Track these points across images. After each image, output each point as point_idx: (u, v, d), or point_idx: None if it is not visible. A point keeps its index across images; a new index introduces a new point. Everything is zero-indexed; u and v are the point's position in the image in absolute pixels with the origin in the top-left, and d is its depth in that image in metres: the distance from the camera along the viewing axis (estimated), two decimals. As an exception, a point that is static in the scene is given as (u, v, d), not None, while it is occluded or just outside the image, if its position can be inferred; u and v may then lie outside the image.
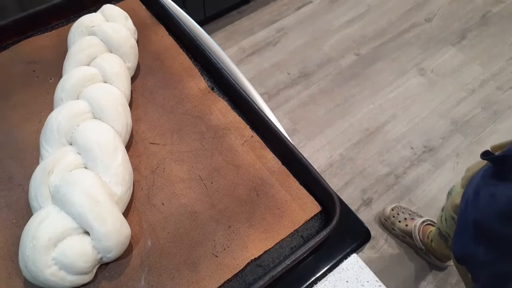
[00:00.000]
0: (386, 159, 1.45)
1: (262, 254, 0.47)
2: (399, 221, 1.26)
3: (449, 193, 0.88)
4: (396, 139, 1.49)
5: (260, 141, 0.56)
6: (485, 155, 0.64)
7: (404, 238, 1.26)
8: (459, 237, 0.65)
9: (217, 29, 1.83)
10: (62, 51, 0.64)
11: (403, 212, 1.27)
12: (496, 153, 0.64)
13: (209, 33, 0.75)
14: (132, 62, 0.61)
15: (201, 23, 0.81)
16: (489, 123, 1.53)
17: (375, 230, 1.31)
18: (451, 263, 1.20)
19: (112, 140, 0.49)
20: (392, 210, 1.29)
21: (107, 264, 0.46)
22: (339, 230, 0.48)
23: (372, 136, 1.50)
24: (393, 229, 1.27)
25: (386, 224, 1.29)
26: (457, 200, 0.76)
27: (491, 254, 0.55)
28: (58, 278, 0.41)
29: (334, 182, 1.40)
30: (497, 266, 0.55)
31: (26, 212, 0.49)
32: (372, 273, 0.47)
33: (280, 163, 0.54)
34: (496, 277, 0.56)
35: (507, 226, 0.54)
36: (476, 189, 0.62)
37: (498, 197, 0.56)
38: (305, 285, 0.46)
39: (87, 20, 0.62)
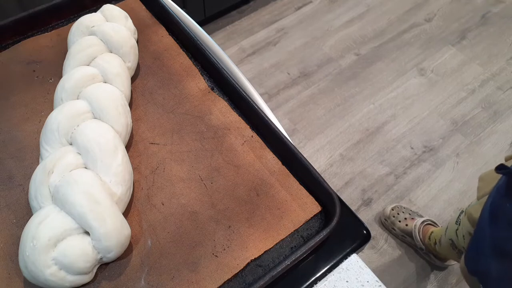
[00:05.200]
0: (386, 159, 1.45)
1: (262, 254, 0.47)
2: (399, 221, 1.26)
3: (464, 211, 0.87)
4: (396, 139, 1.49)
5: (260, 141, 0.56)
6: (500, 168, 0.61)
7: (404, 238, 1.26)
8: (474, 252, 0.64)
9: (217, 29, 1.83)
10: (62, 51, 0.64)
11: (403, 212, 1.27)
12: (510, 165, 0.62)
13: (209, 33, 0.75)
14: (132, 62, 0.61)
15: (201, 23, 0.81)
16: (489, 123, 1.53)
17: (375, 230, 1.31)
18: (451, 262, 1.20)
19: (112, 140, 0.49)
20: (392, 210, 1.29)
21: (107, 264, 0.46)
22: (339, 230, 0.48)
23: (372, 136, 1.50)
24: (393, 229, 1.27)
25: (386, 224, 1.29)
26: (476, 214, 0.75)
27: (508, 272, 0.55)
28: (58, 278, 0.41)
29: (334, 182, 1.40)
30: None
31: (26, 212, 0.49)
32: (372, 273, 0.47)
33: (280, 163, 0.54)
34: None
35: None
36: (493, 207, 0.61)
37: None
38: (305, 285, 0.46)
39: (87, 20, 0.62)
